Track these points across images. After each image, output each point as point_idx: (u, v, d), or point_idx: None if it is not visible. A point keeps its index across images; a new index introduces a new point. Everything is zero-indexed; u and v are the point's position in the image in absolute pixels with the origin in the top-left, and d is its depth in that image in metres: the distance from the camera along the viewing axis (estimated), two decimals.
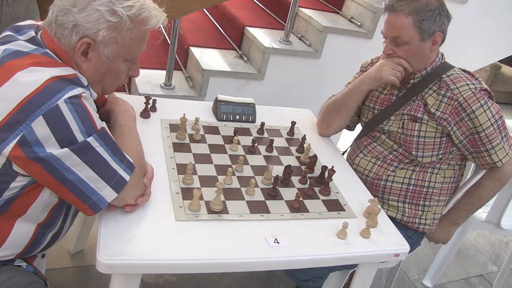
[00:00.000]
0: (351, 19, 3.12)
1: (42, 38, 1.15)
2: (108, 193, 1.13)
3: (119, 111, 1.37)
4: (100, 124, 1.12)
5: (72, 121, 1.04)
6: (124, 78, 1.27)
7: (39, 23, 1.22)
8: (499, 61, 5.40)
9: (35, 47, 1.12)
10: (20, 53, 1.09)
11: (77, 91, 1.07)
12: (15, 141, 1.00)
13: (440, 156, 1.70)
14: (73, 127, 1.04)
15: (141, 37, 1.20)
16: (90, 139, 1.07)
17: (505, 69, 5.76)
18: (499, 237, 3.12)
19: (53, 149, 1.02)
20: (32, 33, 1.15)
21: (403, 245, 1.40)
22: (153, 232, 1.21)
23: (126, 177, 1.16)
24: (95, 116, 1.11)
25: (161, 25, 1.23)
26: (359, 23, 3.05)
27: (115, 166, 1.13)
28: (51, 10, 1.14)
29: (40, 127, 1.00)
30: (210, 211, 1.33)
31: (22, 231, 1.18)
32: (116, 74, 1.23)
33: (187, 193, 1.37)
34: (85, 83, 1.18)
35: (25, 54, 1.09)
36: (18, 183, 1.09)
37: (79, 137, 1.05)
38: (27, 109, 1.00)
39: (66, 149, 1.03)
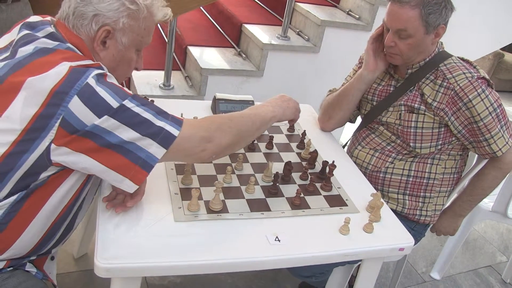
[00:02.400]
0: (349, 12, 3.09)
1: (60, 32, 1.18)
2: (156, 150, 1.11)
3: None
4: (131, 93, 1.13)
5: (103, 93, 1.05)
6: (132, 69, 1.32)
7: (48, 18, 1.24)
8: (501, 49, 5.35)
9: (58, 42, 1.14)
10: (47, 50, 1.12)
11: (101, 70, 1.10)
12: (57, 125, 1.02)
13: (439, 147, 1.68)
14: (105, 97, 1.05)
15: (151, 28, 1.27)
16: (125, 102, 1.07)
17: (508, 57, 5.71)
18: (508, 227, 3.09)
19: (93, 120, 1.04)
20: (49, 28, 1.18)
21: (407, 239, 1.38)
22: (151, 234, 1.19)
23: (175, 131, 1.13)
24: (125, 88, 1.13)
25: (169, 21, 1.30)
26: (357, 16, 3.02)
27: (159, 123, 1.11)
28: (67, 3, 1.18)
29: (77, 107, 1.02)
30: (210, 210, 1.31)
31: (36, 226, 1.18)
32: (129, 63, 1.28)
33: (186, 193, 1.36)
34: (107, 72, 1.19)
35: (53, 51, 1.12)
36: (47, 172, 1.10)
37: (114, 104, 1.06)
38: (61, 92, 1.03)
39: (105, 116, 1.05)
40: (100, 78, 1.08)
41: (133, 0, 1.18)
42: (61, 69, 1.05)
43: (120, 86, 1.11)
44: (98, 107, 1.04)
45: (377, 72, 1.76)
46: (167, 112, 1.17)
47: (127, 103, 1.08)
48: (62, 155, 1.06)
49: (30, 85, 1.04)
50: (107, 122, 1.05)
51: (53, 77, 1.04)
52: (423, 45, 1.61)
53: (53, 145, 1.04)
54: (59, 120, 1.02)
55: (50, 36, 1.15)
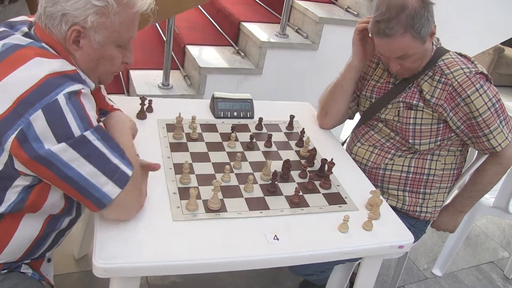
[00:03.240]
0: (348, 8, 3.08)
1: (35, 33, 1.15)
2: (111, 189, 1.11)
3: (110, 122, 1.32)
4: (96, 123, 1.10)
5: (69, 115, 1.03)
6: (119, 65, 1.26)
7: (31, 19, 1.22)
8: (502, 44, 5.33)
9: (31, 40, 1.12)
10: (19, 46, 1.10)
11: (77, 87, 1.07)
12: (13, 136, 1.00)
13: (439, 143, 1.67)
14: (70, 122, 1.03)
15: (130, 20, 1.19)
16: (86, 133, 1.06)
17: (509, 51, 5.69)
18: (510, 222, 3.08)
19: (51, 144, 1.01)
20: (25, 28, 1.16)
21: (407, 236, 1.38)
22: (150, 234, 1.19)
23: (129, 172, 1.14)
24: (92, 115, 1.10)
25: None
26: (356, 13, 3.01)
27: (115, 160, 1.11)
28: (40, 3, 1.14)
29: (38, 121, 1.00)
30: (208, 210, 1.31)
31: (26, 231, 1.17)
32: (110, 60, 1.22)
33: (184, 192, 1.36)
34: (86, 78, 1.18)
35: (23, 47, 1.10)
36: (21, 181, 1.09)
37: (76, 132, 1.04)
38: (27, 102, 1.00)
39: (63, 144, 1.02)
40: (73, 96, 1.05)
41: None
42: (36, 74, 1.03)
43: (87, 112, 1.08)
44: (60, 129, 1.02)
45: (367, 59, 1.78)
46: (122, 149, 1.15)
47: (89, 135, 1.06)
48: (24, 168, 1.05)
49: (1, 87, 1.02)
50: (66, 153, 1.03)
51: (25, 83, 1.02)
52: (425, 52, 1.60)
53: (13, 157, 1.02)
54: (16, 132, 0.99)
55: (25, 35, 1.14)
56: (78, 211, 1.32)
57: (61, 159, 1.03)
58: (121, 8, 1.14)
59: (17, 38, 1.12)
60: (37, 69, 1.05)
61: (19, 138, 1.00)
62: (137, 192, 1.21)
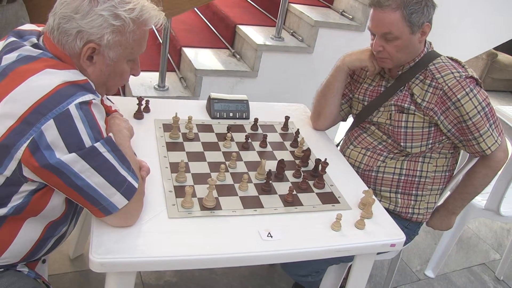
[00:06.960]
0: (343, 12, 3.11)
1: (44, 44, 1.16)
2: (119, 200, 1.13)
3: (112, 132, 1.33)
4: (105, 134, 1.13)
5: (81, 126, 1.05)
6: (128, 77, 1.29)
7: (40, 28, 1.23)
8: (495, 49, 5.39)
9: (41, 51, 1.13)
10: (31, 58, 1.11)
11: (87, 97, 1.08)
12: (25, 145, 1.01)
13: (430, 146, 1.69)
14: (81, 132, 1.05)
15: (143, 37, 1.22)
16: (97, 144, 1.07)
17: (502, 56, 5.76)
18: (501, 225, 3.11)
19: (62, 154, 1.03)
20: (34, 39, 1.16)
21: (398, 235, 1.40)
22: (145, 230, 1.21)
23: (135, 184, 1.17)
24: (103, 125, 1.13)
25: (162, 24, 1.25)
26: (351, 16, 3.04)
27: (123, 172, 1.14)
28: (52, 17, 1.14)
29: (50, 131, 1.01)
30: (203, 207, 1.33)
31: (27, 235, 1.18)
32: (121, 74, 1.24)
33: (180, 191, 1.37)
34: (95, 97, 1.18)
35: (36, 59, 1.11)
36: (27, 186, 1.10)
37: (87, 142, 1.05)
38: (38, 112, 1.01)
39: (73, 154, 1.04)
40: (84, 106, 1.06)
41: (117, 15, 1.12)
42: (47, 84, 1.04)
43: (98, 122, 1.10)
44: (71, 138, 1.03)
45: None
46: (128, 161, 1.17)
47: (100, 147, 1.08)
48: (32, 175, 1.07)
49: (13, 97, 1.03)
50: (77, 164, 1.05)
51: (36, 93, 1.03)
52: (410, 45, 1.62)
53: (23, 164, 1.04)
54: (28, 141, 1.01)
55: (34, 46, 1.15)
56: (75, 220, 1.34)
57: (72, 169, 1.05)
58: (137, 27, 1.17)
59: (28, 50, 1.13)
60: (48, 79, 1.06)
61: (30, 147, 1.01)
62: (141, 202, 1.24)
